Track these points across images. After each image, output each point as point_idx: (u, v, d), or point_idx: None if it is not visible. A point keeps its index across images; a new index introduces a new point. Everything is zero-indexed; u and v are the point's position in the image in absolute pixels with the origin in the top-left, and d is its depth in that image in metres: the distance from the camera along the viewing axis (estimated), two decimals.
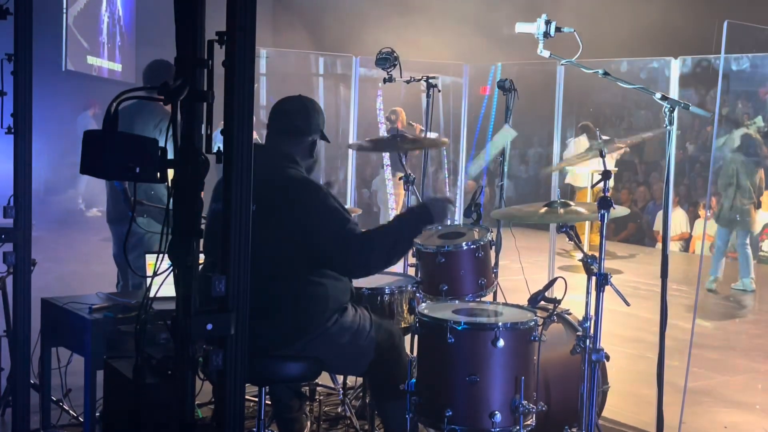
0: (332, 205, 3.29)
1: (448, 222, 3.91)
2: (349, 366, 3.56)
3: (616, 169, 13.04)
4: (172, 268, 2.11)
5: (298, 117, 3.46)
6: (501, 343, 3.10)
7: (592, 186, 10.12)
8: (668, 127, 3.36)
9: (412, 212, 3.49)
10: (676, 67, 7.16)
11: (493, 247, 4.25)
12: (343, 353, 3.36)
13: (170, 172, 2.13)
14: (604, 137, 3.63)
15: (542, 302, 3.41)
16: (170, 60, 2.14)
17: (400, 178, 4.74)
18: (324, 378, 4.42)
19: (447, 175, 11.27)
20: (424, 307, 3.49)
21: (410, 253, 4.45)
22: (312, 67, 15.66)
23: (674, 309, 3.81)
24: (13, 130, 3.61)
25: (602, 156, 3.35)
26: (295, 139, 3.44)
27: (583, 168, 10.84)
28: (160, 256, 2.11)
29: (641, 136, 4.09)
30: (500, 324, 3.14)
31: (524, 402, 3.11)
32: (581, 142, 10.96)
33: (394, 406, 3.40)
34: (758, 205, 9.33)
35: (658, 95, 3.39)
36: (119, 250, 4.82)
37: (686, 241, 12.09)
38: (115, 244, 4.91)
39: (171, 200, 2.09)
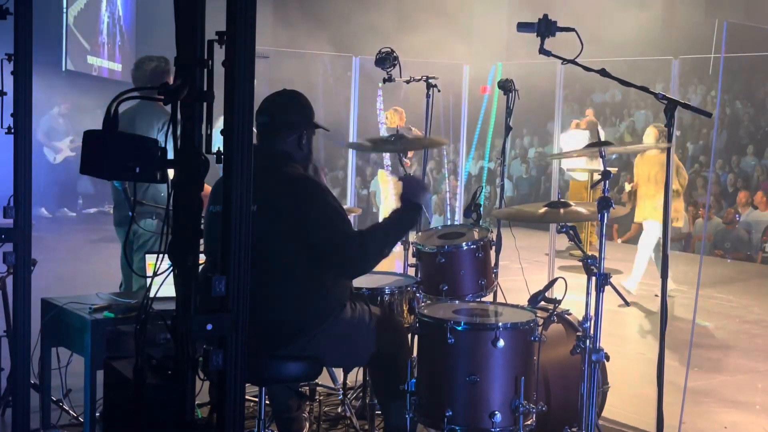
0: (331, 203, 3.29)
1: (431, 204, 3.92)
2: (350, 359, 3.56)
3: (616, 169, 13.04)
4: (172, 268, 2.11)
5: (287, 112, 3.42)
6: (501, 343, 3.10)
7: (592, 186, 10.11)
8: (668, 127, 3.36)
9: (397, 212, 3.46)
10: (675, 68, 7.15)
11: (493, 248, 4.25)
12: (343, 347, 3.36)
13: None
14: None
15: (542, 302, 3.41)
16: (171, 60, 2.13)
17: (400, 179, 4.73)
18: (324, 378, 4.41)
19: (446, 175, 11.28)
20: (424, 308, 3.49)
21: (410, 252, 4.46)
22: (312, 67, 15.66)
23: (674, 309, 3.80)
24: (13, 130, 3.61)
25: (602, 156, 3.35)
26: (287, 135, 3.40)
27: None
28: (160, 256, 2.11)
29: (637, 148, 4.07)
30: (500, 324, 3.14)
31: (524, 402, 3.11)
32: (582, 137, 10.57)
33: (396, 403, 3.41)
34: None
35: (660, 95, 3.38)
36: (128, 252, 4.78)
37: (686, 240, 12.10)
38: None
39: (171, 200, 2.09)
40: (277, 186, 3.27)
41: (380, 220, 3.50)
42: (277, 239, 3.22)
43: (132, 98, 2.18)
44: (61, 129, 13.80)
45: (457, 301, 3.74)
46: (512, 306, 3.53)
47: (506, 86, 4.58)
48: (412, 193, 3.46)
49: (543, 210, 3.58)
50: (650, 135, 8.13)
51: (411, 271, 4.45)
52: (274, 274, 3.22)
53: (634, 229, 12.99)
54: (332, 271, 3.31)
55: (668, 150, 3.58)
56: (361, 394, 4.51)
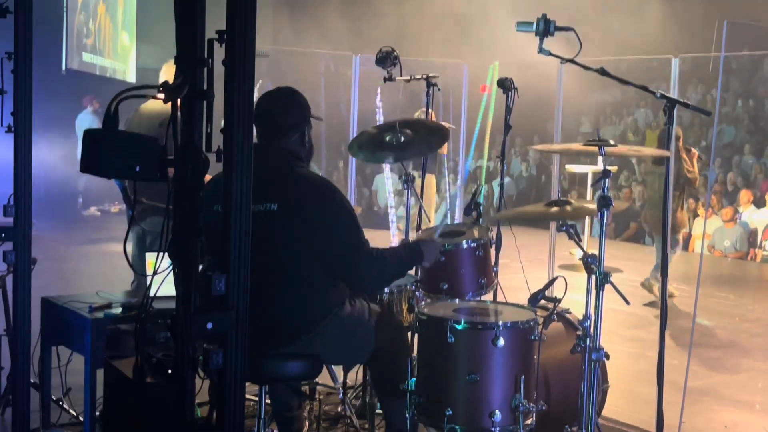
0: (349, 209, 3.33)
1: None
2: (350, 356, 3.57)
3: (616, 168, 13.03)
4: (172, 266, 2.11)
5: (287, 113, 3.41)
6: (501, 342, 3.10)
7: (592, 185, 10.10)
8: (668, 126, 3.36)
9: (412, 249, 3.60)
10: (675, 66, 7.16)
11: (494, 246, 4.25)
12: (343, 344, 3.37)
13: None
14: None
15: (542, 301, 3.41)
16: (170, 59, 2.13)
17: (400, 177, 4.73)
18: (324, 377, 4.41)
19: (447, 174, 11.26)
20: (423, 306, 3.49)
21: None
22: (312, 66, 15.66)
23: (674, 308, 3.81)
24: (13, 129, 3.61)
25: (602, 155, 3.35)
26: (291, 136, 3.41)
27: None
28: (161, 254, 2.11)
29: (637, 150, 4.05)
30: (500, 323, 3.14)
31: (524, 401, 3.10)
32: None
33: (396, 401, 3.41)
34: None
35: (658, 94, 3.39)
36: (140, 251, 4.78)
37: (686, 240, 12.10)
38: (136, 245, 4.86)
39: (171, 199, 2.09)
40: (296, 186, 3.28)
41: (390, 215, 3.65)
42: (286, 238, 3.22)
43: (132, 97, 2.18)
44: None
45: (457, 300, 3.74)
46: (512, 305, 3.53)
47: (505, 85, 4.58)
48: (427, 255, 3.61)
49: (543, 209, 3.58)
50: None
51: (411, 270, 4.45)
52: (276, 273, 3.23)
53: (634, 228, 13.00)
54: (340, 277, 3.36)
55: (667, 159, 3.58)
56: (361, 393, 4.51)
